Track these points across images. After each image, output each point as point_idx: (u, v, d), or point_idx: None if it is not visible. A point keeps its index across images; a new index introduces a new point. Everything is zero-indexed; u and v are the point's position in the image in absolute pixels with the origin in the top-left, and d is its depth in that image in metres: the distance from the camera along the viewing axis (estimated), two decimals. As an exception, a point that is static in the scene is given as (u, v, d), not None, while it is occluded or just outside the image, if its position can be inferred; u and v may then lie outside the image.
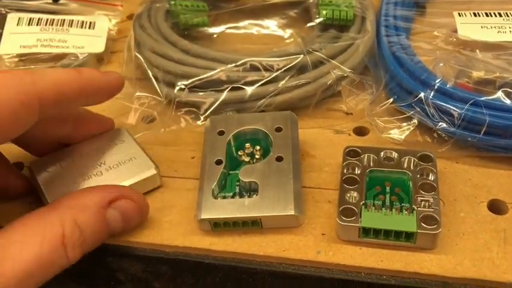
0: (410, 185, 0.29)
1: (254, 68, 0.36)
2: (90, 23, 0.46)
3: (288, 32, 0.40)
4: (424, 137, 0.33)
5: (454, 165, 0.32)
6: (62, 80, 0.27)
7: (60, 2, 0.48)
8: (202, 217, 0.28)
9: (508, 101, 0.31)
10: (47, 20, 0.46)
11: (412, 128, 0.33)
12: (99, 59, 0.45)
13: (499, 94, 0.31)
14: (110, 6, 0.48)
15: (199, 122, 0.36)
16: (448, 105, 0.31)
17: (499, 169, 0.31)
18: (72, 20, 0.46)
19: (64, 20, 0.46)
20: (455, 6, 0.42)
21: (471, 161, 0.32)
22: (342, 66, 0.35)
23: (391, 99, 0.34)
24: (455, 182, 0.31)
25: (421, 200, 0.28)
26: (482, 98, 0.31)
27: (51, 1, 0.48)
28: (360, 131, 0.35)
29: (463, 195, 0.30)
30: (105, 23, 0.47)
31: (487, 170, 0.31)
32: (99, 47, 0.45)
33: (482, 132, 0.31)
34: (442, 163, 0.32)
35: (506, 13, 0.39)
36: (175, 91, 0.37)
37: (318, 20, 0.40)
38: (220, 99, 0.35)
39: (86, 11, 0.48)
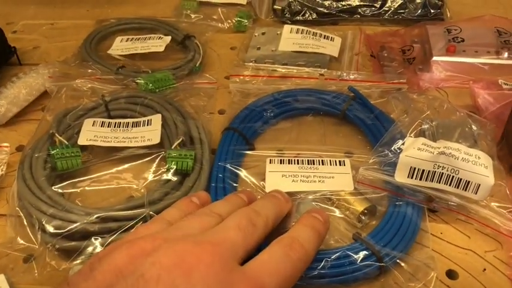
0: None
1: (109, 220, 0.47)
2: (-20, 167, 0.56)
3: (141, 182, 0.52)
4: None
5: None
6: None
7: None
8: None
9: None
10: None
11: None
12: (-12, 198, 0.54)
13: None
14: (-4, 147, 0.58)
15: (67, 263, 0.47)
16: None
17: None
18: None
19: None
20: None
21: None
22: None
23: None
24: None
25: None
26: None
27: None
28: None
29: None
30: (-6, 166, 0.56)
31: None
32: (-12, 190, 0.54)
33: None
34: None
35: (303, 160, 0.53)
36: (47, 239, 0.47)
37: (167, 176, 0.52)
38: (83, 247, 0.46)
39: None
